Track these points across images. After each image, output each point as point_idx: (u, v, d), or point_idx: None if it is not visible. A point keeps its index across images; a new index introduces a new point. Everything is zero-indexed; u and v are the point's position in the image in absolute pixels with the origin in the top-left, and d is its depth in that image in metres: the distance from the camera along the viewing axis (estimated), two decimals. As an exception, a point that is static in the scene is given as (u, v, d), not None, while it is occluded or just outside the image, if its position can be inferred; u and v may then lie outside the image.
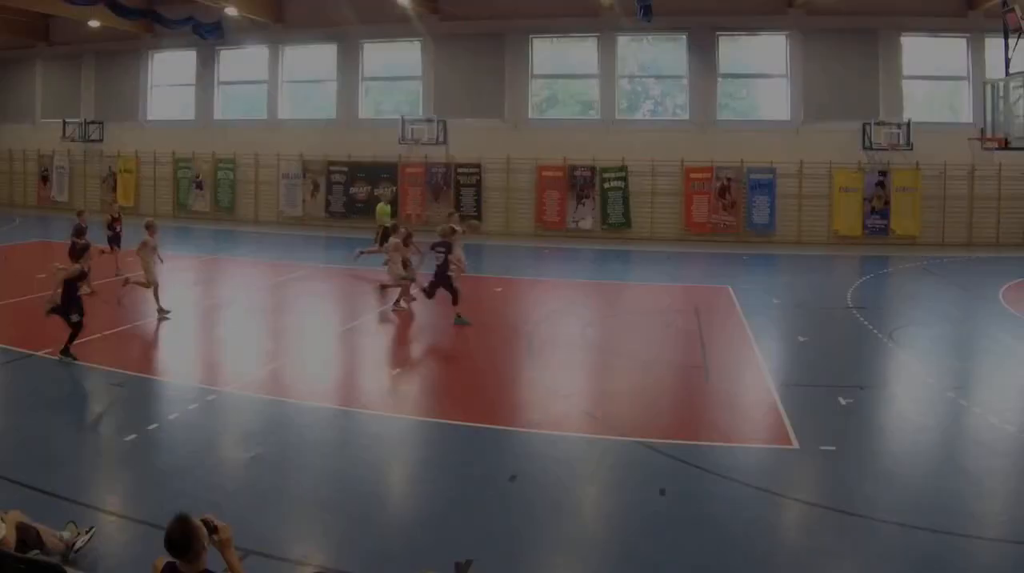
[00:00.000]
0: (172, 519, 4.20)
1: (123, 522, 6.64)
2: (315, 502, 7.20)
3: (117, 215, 18.88)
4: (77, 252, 13.23)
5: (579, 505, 7.40)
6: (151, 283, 14.16)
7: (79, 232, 16.91)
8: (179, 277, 18.48)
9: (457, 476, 7.79)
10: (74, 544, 5.89)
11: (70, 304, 11.01)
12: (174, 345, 12.92)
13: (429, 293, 14.21)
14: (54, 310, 11.04)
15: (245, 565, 4.73)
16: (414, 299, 15.17)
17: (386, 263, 15.43)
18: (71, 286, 11.07)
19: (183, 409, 9.31)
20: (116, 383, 10.30)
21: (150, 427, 8.70)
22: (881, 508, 7.05)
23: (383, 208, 21.71)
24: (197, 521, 4.19)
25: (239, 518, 4.79)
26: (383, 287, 15.47)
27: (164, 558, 4.20)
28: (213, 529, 4.23)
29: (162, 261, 14.80)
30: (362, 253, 19.89)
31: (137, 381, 10.40)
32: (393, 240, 15.60)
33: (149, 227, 14.63)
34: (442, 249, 14.17)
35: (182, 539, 4.11)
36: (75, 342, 11.14)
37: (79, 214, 17.92)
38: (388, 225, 20.34)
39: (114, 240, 18.35)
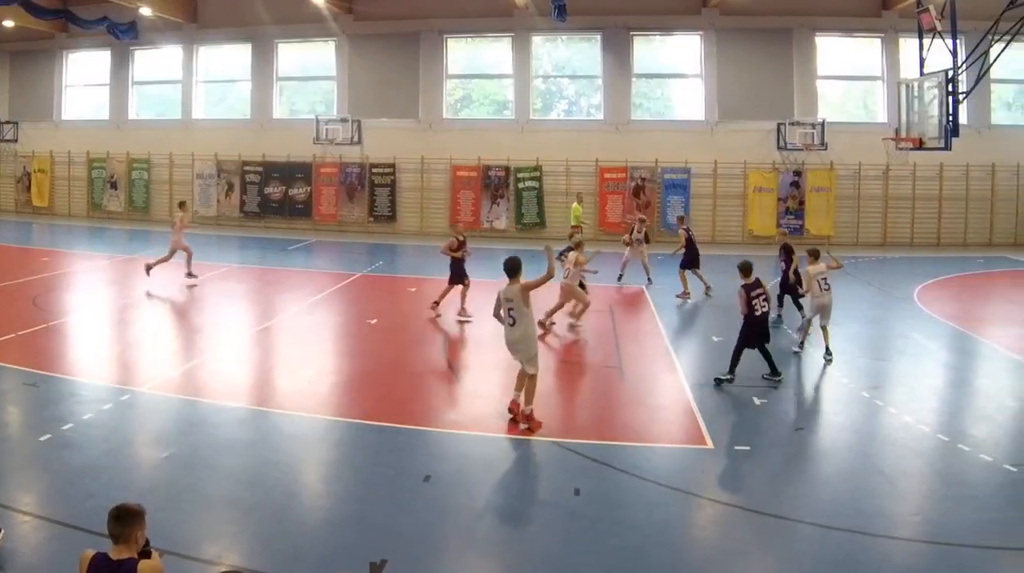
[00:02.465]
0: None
1: (37, 522, 6.33)
2: (229, 502, 6.88)
3: (463, 239, 14.73)
4: None
5: (494, 505, 7.10)
6: (586, 303, 13.20)
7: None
8: (94, 277, 17.83)
9: (372, 476, 7.47)
10: None
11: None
12: (88, 345, 12.12)
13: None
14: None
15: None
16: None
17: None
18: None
19: (97, 409, 8.93)
20: (30, 383, 9.84)
21: (64, 427, 8.33)
22: (796, 508, 6.83)
23: (576, 208, 20.33)
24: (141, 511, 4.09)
25: (152, 518, 4.30)
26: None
27: (92, 550, 4.04)
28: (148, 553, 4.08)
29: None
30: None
31: (51, 381, 9.92)
32: (819, 266, 12.19)
33: (579, 246, 13.35)
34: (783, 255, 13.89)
35: (127, 514, 4.00)
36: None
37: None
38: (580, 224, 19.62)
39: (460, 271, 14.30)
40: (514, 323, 8.71)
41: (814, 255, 12.26)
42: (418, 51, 26.04)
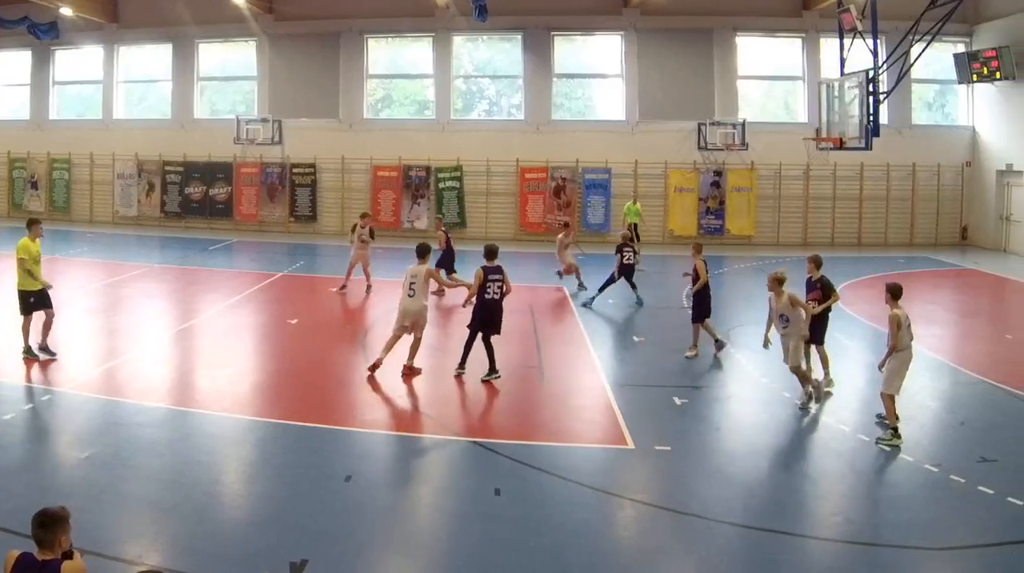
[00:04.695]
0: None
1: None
2: (150, 502, 6.67)
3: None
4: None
5: (414, 505, 6.98)
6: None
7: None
8: (12, 278, 16.95)
9: (293, 476, 7.22)
10: None
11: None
12: (7, 345, 11.34)
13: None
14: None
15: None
16: None
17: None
18: None
19: (17, 409, 8.67)
20: None
21: (-18, 427, 8.00)
22: (717, 508, 6.68)
23: (630, 207, 19.75)
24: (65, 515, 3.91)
25: (74, 519, 4.02)
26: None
27: (17, 550, 3.91)
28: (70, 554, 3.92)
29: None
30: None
31: (-32, 382, 9.41)
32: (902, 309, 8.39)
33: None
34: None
35: (51, 520, 3.86)
36: None
37: None
38: (637, 222, 19.55)
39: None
40: (413, 295, 9.96)
41: (896, 294, 8.21)
42: (339, 51, 24.92)
